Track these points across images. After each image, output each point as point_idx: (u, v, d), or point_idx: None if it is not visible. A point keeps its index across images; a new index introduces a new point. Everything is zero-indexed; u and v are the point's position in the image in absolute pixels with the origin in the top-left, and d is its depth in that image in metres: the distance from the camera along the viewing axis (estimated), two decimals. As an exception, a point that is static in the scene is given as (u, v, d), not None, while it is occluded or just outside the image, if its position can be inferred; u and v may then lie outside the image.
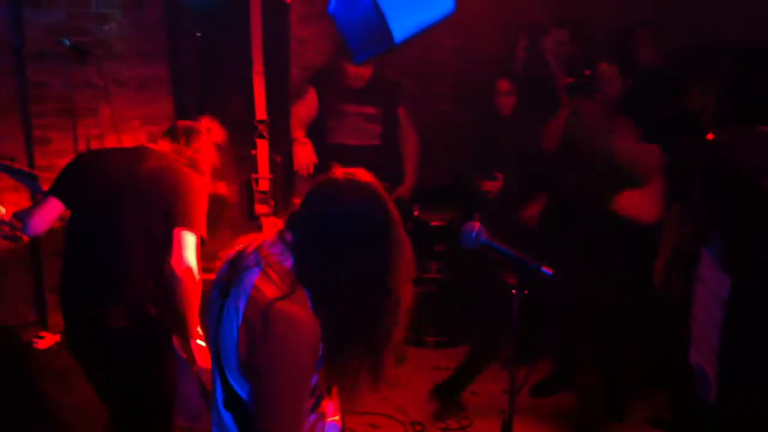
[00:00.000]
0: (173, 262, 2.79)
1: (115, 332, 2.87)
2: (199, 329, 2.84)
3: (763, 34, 4.34)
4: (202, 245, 2.93)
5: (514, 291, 2.47)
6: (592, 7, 5.27)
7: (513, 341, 2.48)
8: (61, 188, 3.04)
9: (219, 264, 2.11)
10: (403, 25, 2.48)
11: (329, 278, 1.90)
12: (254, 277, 1.91)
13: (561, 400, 4.42)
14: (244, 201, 4.56)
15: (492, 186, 4.81)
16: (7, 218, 3.19)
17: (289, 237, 1.96)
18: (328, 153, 4.68)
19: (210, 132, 3.22)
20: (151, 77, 4.94)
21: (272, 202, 4.29)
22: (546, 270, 2.39)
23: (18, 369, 3.79)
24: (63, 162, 3.28)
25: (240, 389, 1.92)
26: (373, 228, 1.93)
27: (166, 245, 2.84)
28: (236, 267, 1.99)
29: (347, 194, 1.93)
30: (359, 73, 4.78)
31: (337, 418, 2.19)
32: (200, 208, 2.95)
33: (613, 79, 4.16)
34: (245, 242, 2.07)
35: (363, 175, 1.98)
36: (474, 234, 2.39)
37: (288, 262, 1.93)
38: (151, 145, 3.14)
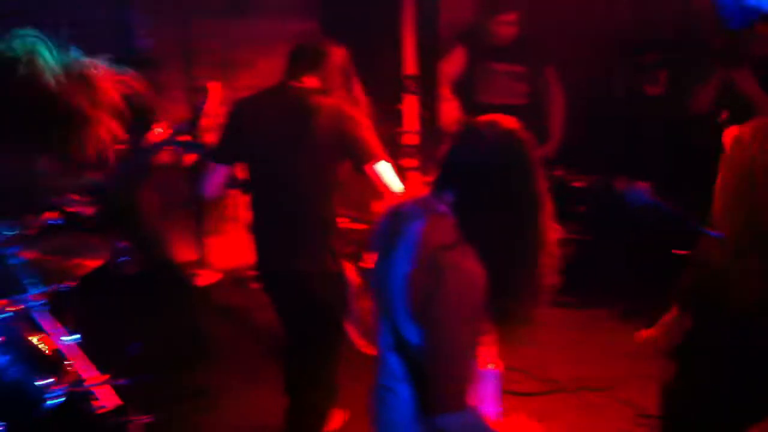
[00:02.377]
0: (386, 198, 2.86)
1: (301, 276, 2.98)
2: None
3: None
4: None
5: (675, 251, 2.45)
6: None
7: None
8: (221, 153, 3.13)
9: (379, 217, 2.19)
10: None
11: (490, 227, 1.94)
12: (420, 227, 1.96)
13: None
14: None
15: (654, 89, 4.67)
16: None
17: (443, 188, 2.00)
18: (475, 111, 4.67)
19: (334, 54, 3.11)
20: (304, 31, 5.07)
21: (419, 157, 4.35)
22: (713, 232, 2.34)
23: (181, 302, 4.05)
24: (221, 110, 3.45)
25: (408, 333, 2.00)
26: (524, 170, 1.94)
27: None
28: (399, 219, 2.05)
29: (496, 139, 1.94)
30: (505, 31, 4.74)
31: (493, 365, 2.24)
32: (374, 135, 2.96)
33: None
34: (403, 197, 2.13)
35: (505, 120, 1.98)
36: (644, 193, 2.38)
37: (448, 213, 1.98)
38: (296, 84, 3.02)
